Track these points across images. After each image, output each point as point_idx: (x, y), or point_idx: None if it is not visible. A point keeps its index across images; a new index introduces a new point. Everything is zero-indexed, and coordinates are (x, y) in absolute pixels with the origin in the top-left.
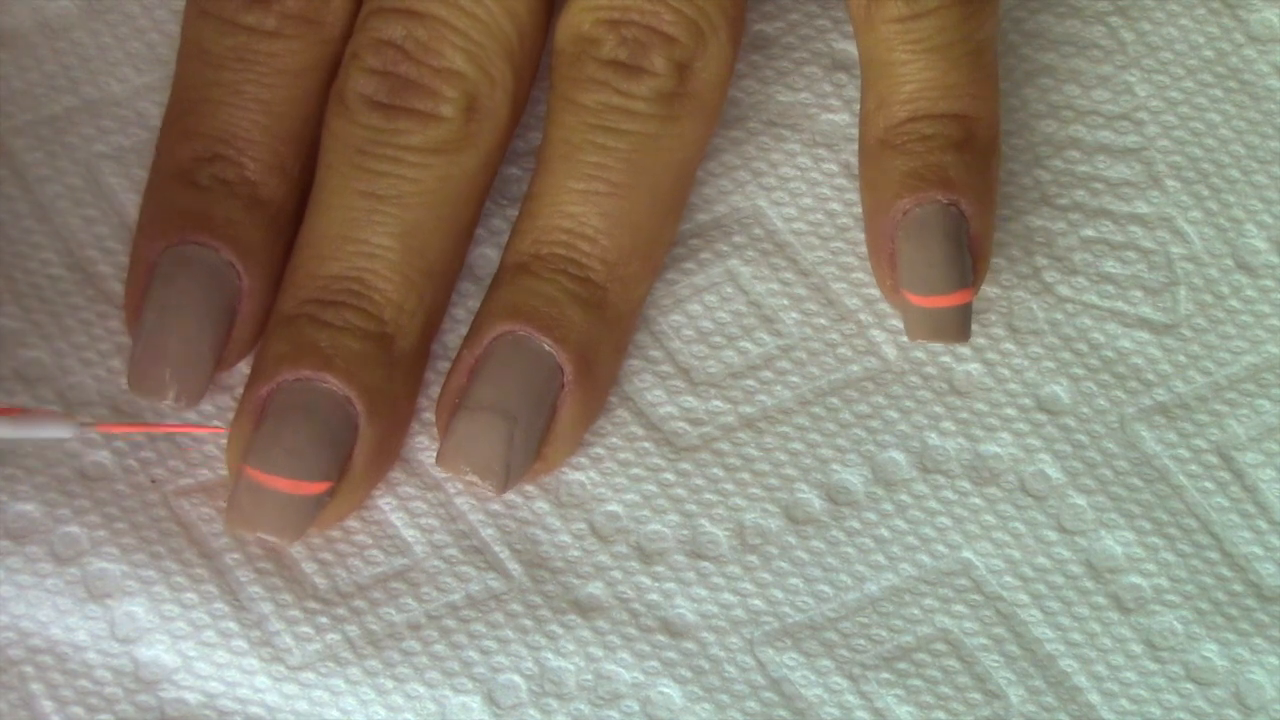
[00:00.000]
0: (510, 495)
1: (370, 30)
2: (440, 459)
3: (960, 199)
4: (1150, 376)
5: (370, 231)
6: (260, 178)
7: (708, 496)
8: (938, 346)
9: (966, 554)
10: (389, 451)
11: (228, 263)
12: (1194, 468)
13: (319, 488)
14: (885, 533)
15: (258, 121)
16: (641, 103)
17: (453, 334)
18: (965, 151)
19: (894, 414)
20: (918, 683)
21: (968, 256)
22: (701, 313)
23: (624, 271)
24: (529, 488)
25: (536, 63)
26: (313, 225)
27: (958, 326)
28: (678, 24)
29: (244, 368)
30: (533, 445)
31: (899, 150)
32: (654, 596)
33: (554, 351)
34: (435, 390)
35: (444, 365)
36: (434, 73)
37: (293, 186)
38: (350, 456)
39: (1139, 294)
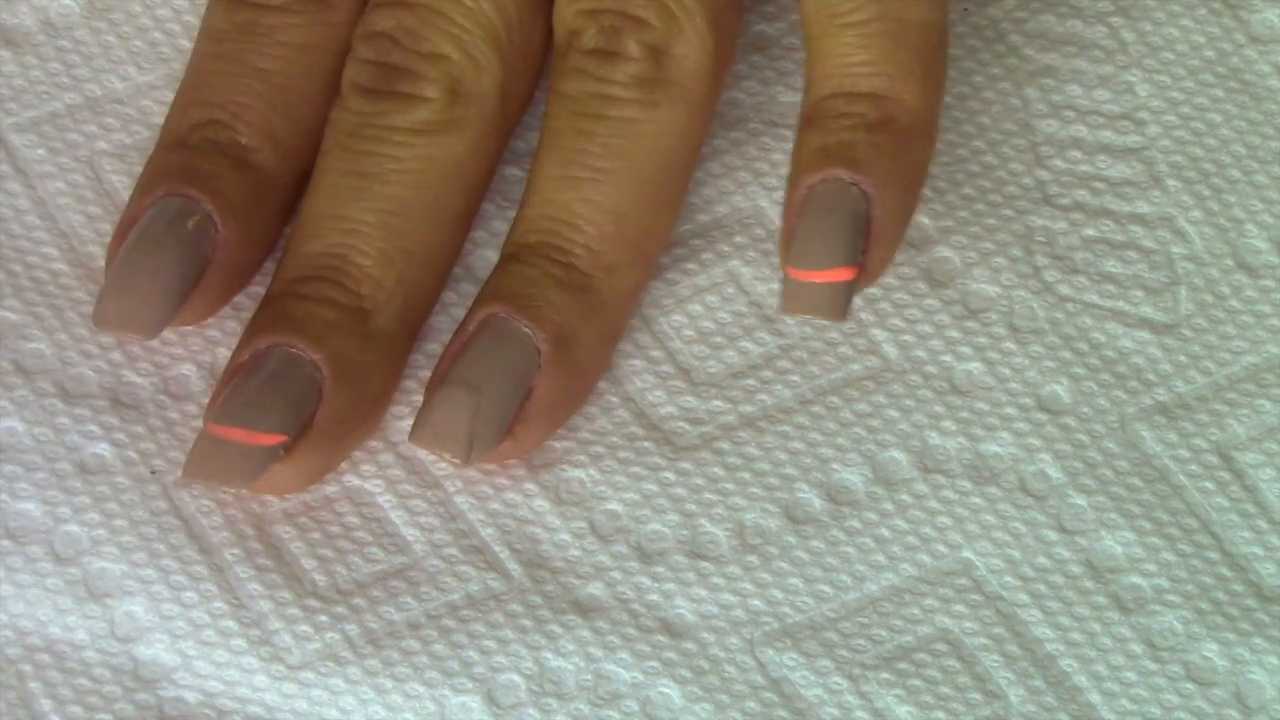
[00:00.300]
0: (509, 494)
1: (366, 24)
2: (411, 435)
3: (864, 179)
4: (1151, 376)
5: (352, 208)
6: (252, 143)
7: (708, 496)
8: (938, 344)
9: (967, 554)
10: (357, 420)
11: (206, 213)
12: (1194, 468)
13: (272, 439)
14: (885, 532)
15: (254, 88)
16: (619, 88)
17: (447, 333)
18: (879, 133)
19: (894, 413)
20: (918, 683)
21: (859, 237)
22: (702, 313)
23: (610, 259)
24: (529, 485)
25: (533, 61)
26: (303, 208)
27: (830, 303)
28: (649, 8)
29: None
30: (501, 420)
31: (814, 127)
32: (654, 597)
33: (530, 331)
34: None
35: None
36: (419, 57)
37: (284, 159)
38: (312, 418)
39: (1140, 294)
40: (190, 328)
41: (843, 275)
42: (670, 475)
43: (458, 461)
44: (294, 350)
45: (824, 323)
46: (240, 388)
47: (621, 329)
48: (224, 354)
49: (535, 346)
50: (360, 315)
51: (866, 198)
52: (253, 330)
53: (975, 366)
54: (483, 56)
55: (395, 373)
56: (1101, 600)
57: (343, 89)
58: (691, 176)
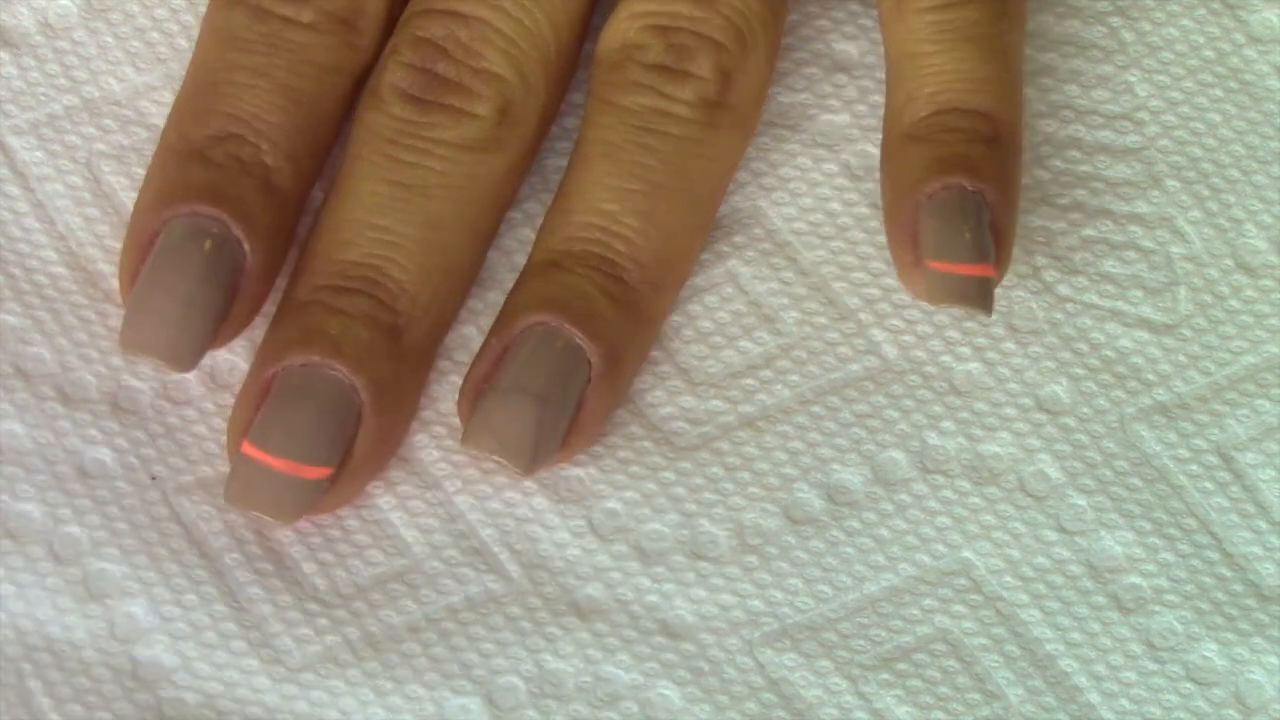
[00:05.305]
0: (508, 492)
1: (411, 28)
2: (466, 438)
3: (985, 188)
4: (1150, 376)
5: (392, 219)
6: (275, 163)
7: (707, 496)
8: (938, 345)
9: (966, 554)
10: (391, 443)
11: (235, 237)
12: (1194, 468)
13: (319, 473)
14: (885, 533)
15: (280, 107)
16: (684, 106)
17: (449, 333)
18: (992, 146)
19: (894, 413)
20: (917, 683)
21: (990, 240)
22: (701, 313)
23: (654, 275)
24: (528, 484)
25: (568, 81)
26: (334, 211)
27: (980, 296)
28: (725, 31)
29: (244, 366)
30: (559, 431)
31: (925, 141)
32: (653, 598)
33: (584, 344)
34: (436, 390)
35: (444, 365)
36: (472, 73)
37: (302, 180)
38: (352, 445)
39: (1139, 294)
40: None
41: (987, 270)
42: (670, 475)
43: (518, 471)
44: (335, 374)
45: (961, 314)
46: (281, 413)
47: (653, 346)
48: (224, 359)
49: (588, 360)
50: (394, 333)
51: (989, 206)
52: (283, 341)
53: (974, 367)
54: (534, 79)
55: (422, 389)
56: (1101, 600)
57: (380, 90)
58: None
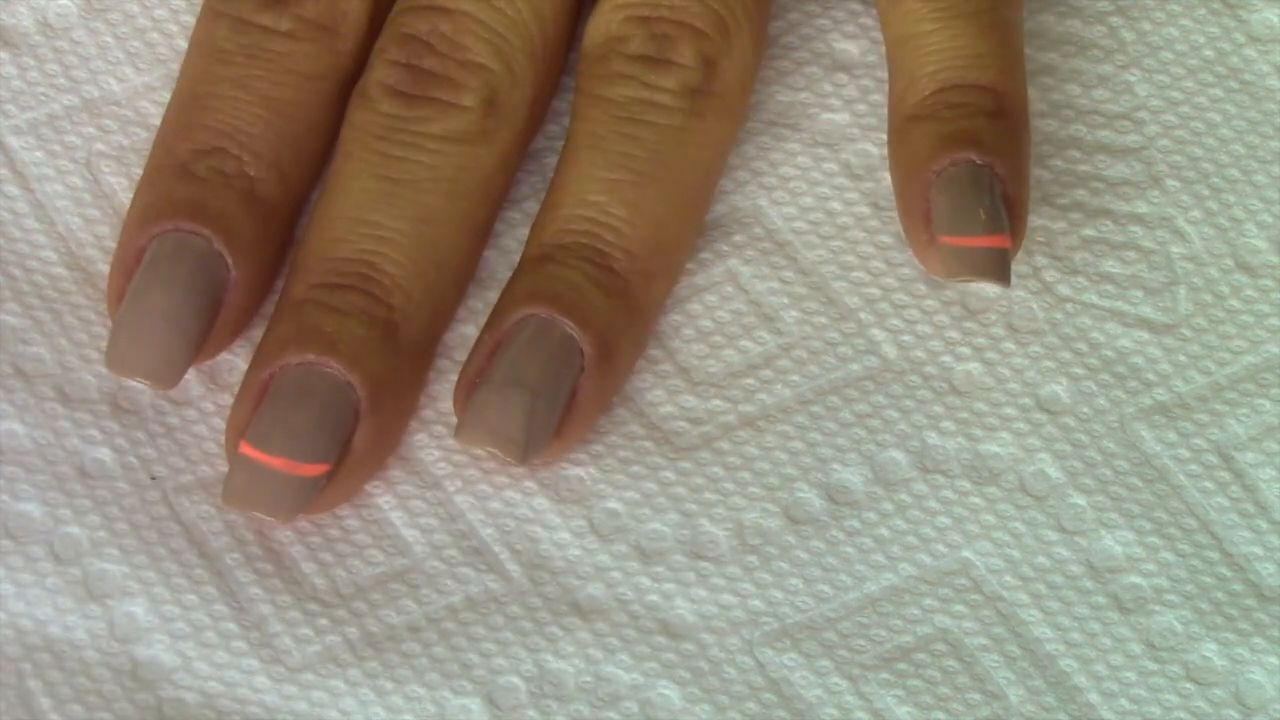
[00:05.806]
0: (509, 492)
1: (397, 26)
2: (459, 432)
3: (994, 161)
4: (1150, 376)
5: (383, 214)
6: (258, 174)
7: (707, 496)
8: (938, 345)
9: (966, 554)
10: (389, 440)
11: (217, 252)
12: (1194, 467)
13: (316, 470)
14: (885, 532)
15: (261, 117)
16: (667, 95)
17: (449, 333)
18: (997, 119)
19: (894, 413)
20: (917, 683)
21: (1003, 211)
22: (701, 312)
23: (645, 265)
24: (528, 483)
25: (556, 75)
26: (326, 209)
27: (997, 267)
28: (706, 18)
29: (244, 365)
30: (552, 421)
31: (930, 119)
32: (653, 598)
33: (575, 334)
34: (435, 389)
35: (444, 364)
36: (457, 65)
37: (288, 189)
38: (350, 442)
39: (1139, 294)
40: None
41: (1003, 242)
42: (670, 474)
43: (512, 462)
44: (331, 371)
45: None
46: (277, 412)
47: (649, 337)
48: (224, 359)
49: (580, 349)
50: (390, 329)
51: (999, 179)
52: (279, 341)
53: (974, 367)
54: (520, 69)
55: (421, 386)
56: (1101, 600)
57: (368, 89)
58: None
